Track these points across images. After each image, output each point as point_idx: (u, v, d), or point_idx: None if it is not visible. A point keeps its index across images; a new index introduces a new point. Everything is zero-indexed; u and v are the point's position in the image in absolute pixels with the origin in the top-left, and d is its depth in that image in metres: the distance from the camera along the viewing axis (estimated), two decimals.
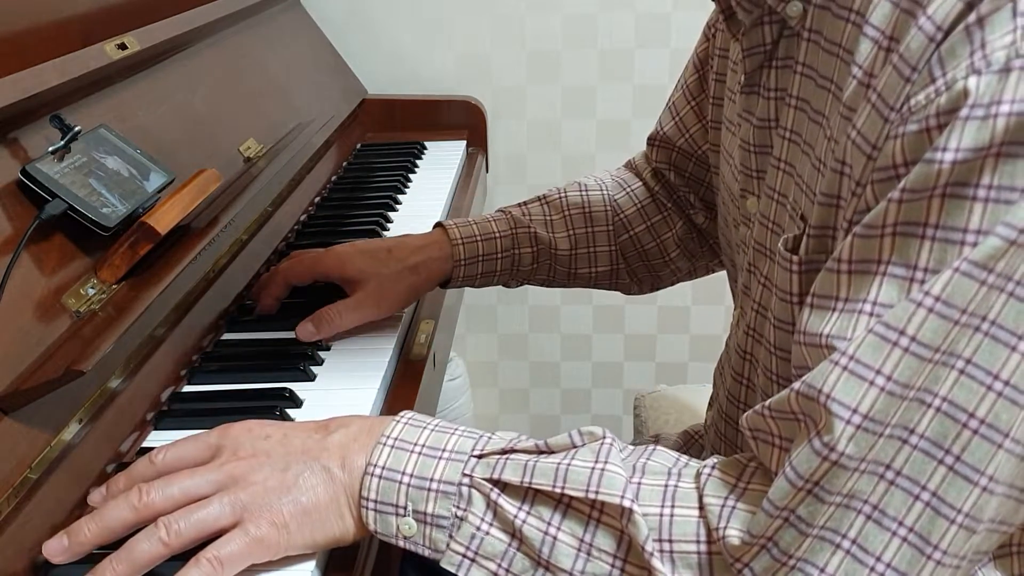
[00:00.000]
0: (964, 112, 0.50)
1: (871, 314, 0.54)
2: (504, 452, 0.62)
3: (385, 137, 1.65)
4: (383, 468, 0.62)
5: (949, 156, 0.50)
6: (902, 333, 0.52)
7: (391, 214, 1.29)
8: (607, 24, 1.71)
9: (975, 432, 0.52)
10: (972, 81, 0.50)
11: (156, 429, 0.80)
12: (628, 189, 1.05)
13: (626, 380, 1.95)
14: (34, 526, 0.65)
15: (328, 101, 1.50)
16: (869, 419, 0.53)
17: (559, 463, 0.60)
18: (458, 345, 1.89)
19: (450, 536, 0.61)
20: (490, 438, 0.64)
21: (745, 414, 0.61)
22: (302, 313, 0.94)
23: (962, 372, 0.52)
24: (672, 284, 1.10)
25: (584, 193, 1.04)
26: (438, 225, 1.02)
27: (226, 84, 1.21)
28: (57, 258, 0.77)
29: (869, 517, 0.54)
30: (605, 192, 1.05)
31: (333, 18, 1.70)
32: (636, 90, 1.75)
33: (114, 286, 0.81)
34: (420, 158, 1.53)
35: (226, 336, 0.95)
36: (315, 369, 0.88)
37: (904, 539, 0.53)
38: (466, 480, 0.61)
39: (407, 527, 0.61)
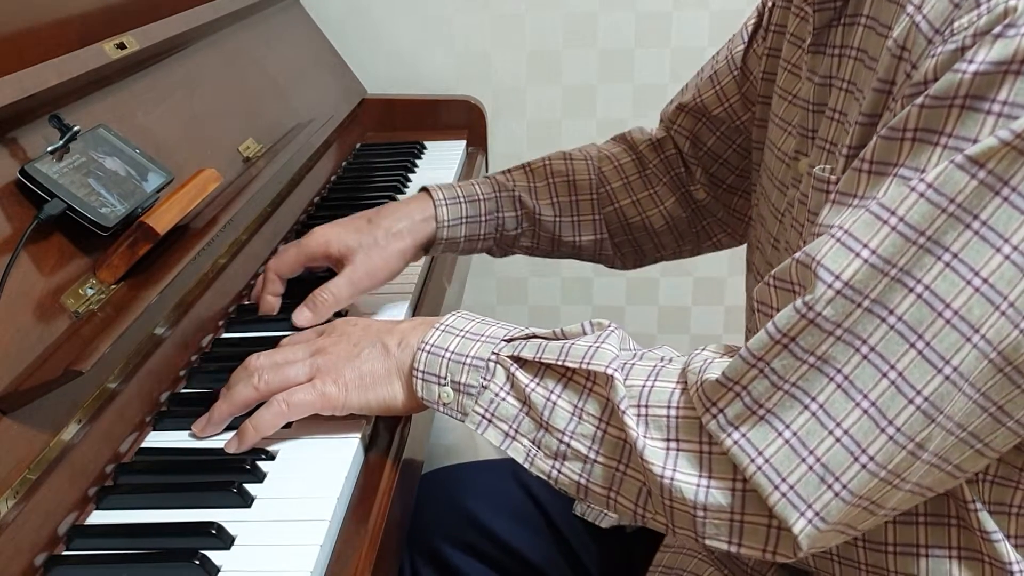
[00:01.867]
0: (998, 29, 0.53)
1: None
2: (527, 337, 0.73)
3: (385, 137, 1.65)
4: (432, 345, 0.74)
5: (972, 68, 0.54)
6: (892, 213, 0.56)
7: None
8: (607, 24, 1.71)
9: (947, 322, 0.55)
10: (1013, 2, 0.53)
11: (155, 430, 0.80)
12: (616, 163, 1.05)
13: None
14: (33, 526, 0.65)
15: (327, 101, 1.50)
16: (849, 286, 0.57)
17: (566, 342, 0.70)
18: None
19: (476, 401, 0.71)
20: (523, 329, 0.74)
21: (756, 286, 0.65)
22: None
23: (947, 265, 0.55)
24: (655, 261, 1.10)
25: (568, 162, 1.05)
26: (423, 189, 1.02)
27: (225, 84, 1.21)
28: (56, 258, 0.77)
29: (839, 386, 0.58)
30: (590, 162, 1.05)
31: (333, 18, 1.70)
32: (636, 90, 1.75)
33: (113, 286, 0.81)
34: (420, 158, 1.53)
35: (225, 336, 0.95)
36: None
37: (865, 411, 0.57)
38: (493, 357, 0.71)
39: (446, 395, 0.72)
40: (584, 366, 0.67)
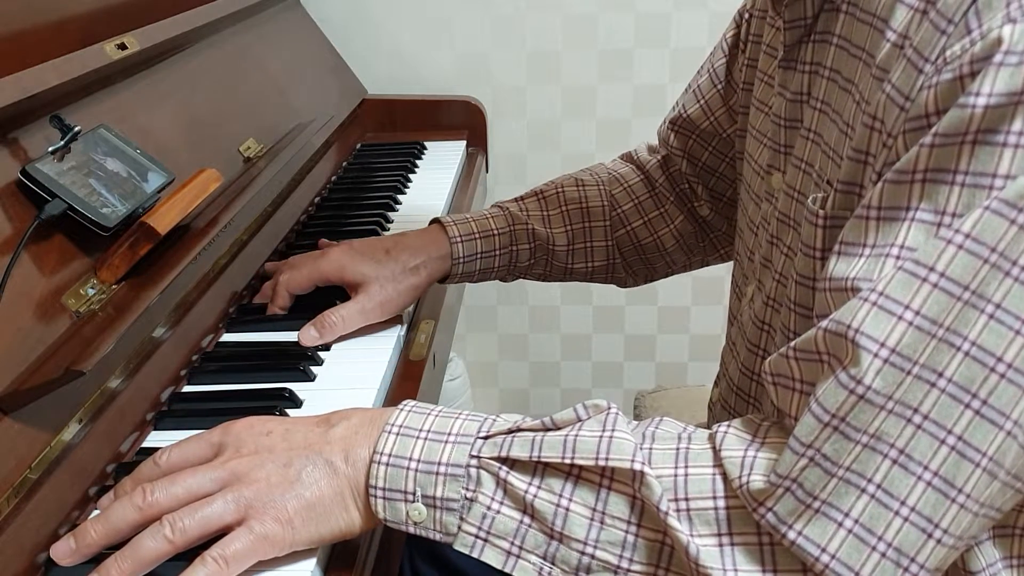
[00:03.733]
0: (998, 58, 0.51)
1: (898, 257, 0.55)
2: (510, 432, 0.62)
3: (385, 137, 1.65)
4: (390, 455, 0.62)
5: (982, 101, 0.52)
6: (931, 269, 0.53)
7: (391, 214, 1.29)
8: (607, 24, 1.71)
9: (1002, 376, 0.52)
10: (1007, 29, 0.51)
11: (156, 429, 0.80)
12: (625, 185, 1.06)
13: (626, 380, 1.95)
14: (34, 526, 0.65)
15: (328, 101, 1.50)
16: (897, 353, 0.53)
17: (567, 435, 0.61)
18: (458, 345, 1.89)
19: (461, 518, 0.61)
20: (495, 420, 0.64)
21: (768, 359, 0.61)
22: (304, 313, 0.95)
23: (991, 316, 0.52)
24: (666, 276, 1.11)
25: (581, 189, 1.05)
26: (435, 221, 1.02)
27: (226, 84, 1.21)
28: (57, 258, 0.77)
29: (895, 462, 0.54)
30: (602, 188, 1.05)
31: (333, 18, 1.70)
32: (636, 90, 1.75)
33: (114, 286, 0.81)
34: (420, 158, 1.53)
35: (226, 336, 0.95)
36: (315, 369, 0.88)
37: (929, 483, 0.54)
38: (474, 461, 0.61)
39: (416, 512, 0.61)
40: (601, 462, 0.59)
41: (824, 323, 0.56)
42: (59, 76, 0.83)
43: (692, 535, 0.57)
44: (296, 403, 0.82)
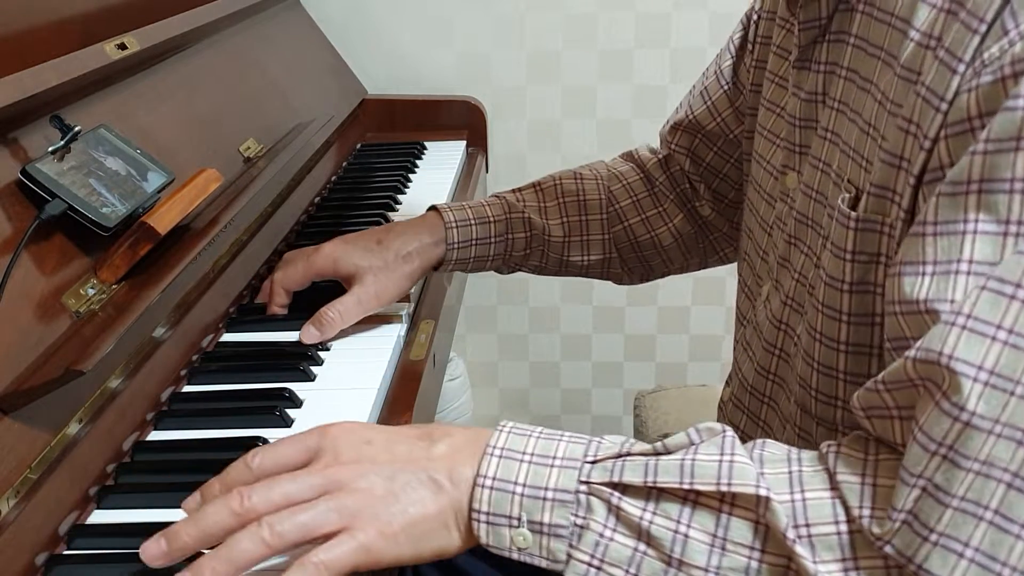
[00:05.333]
0: None
1: (968, 272, 0.53)
2: (619, 456, 0.60)
3: (385, 137, 1.65)
4: (494, 479, 0.60)
5: None
6: (1017, 286, 0.52)
7: (391, 214, 1.29)
8: (607, 24, 1.71)
9: None
10: None
11: (156, 429, 0.80)
12: (624, 182, 1.05)
13: (626, 380, 1.95)
14: (34, 526, 0.65)
15: (328, 101, 1.50)
16: (996, 375, 0.51)
17: (683, 459, 0.59)
18: (458, 345, 1.89)
19: (571, 545, 0.59)
20: (600, 442, 0.62)
21: (855, 394, 0.60)
22: (304, 312, 0.95)
23: None
24: (662, 276, 1.10)
25: (579, 182, 1.05)
26: (432, 208, 1.02)
27: (226, 84, 1.21)
28: (57, 258, 0.77)
29: (1010, 485, 0.52)
30: (600, 182, 1.05)
31: (333, 18, 1.70)
32: (636, 90, 1.75)
33: (114, 286, 0.81)
34: (420, 158, 1.53)
35: (226, 336, 0.95)
36: (315, 369, 0.88)
37: None
38: (583, 488, 0.59)
39: (521, 539, 0.59)
40: (723, 488, 0.57)
41: (911, 352, 0.54)
42: (59, 76, 0.84)
43: (816, 561, 0.56)
44: (296, 403, 0.82)
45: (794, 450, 0.62)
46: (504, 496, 0.60)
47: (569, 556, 0.59)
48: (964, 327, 0.52)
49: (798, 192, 0.75)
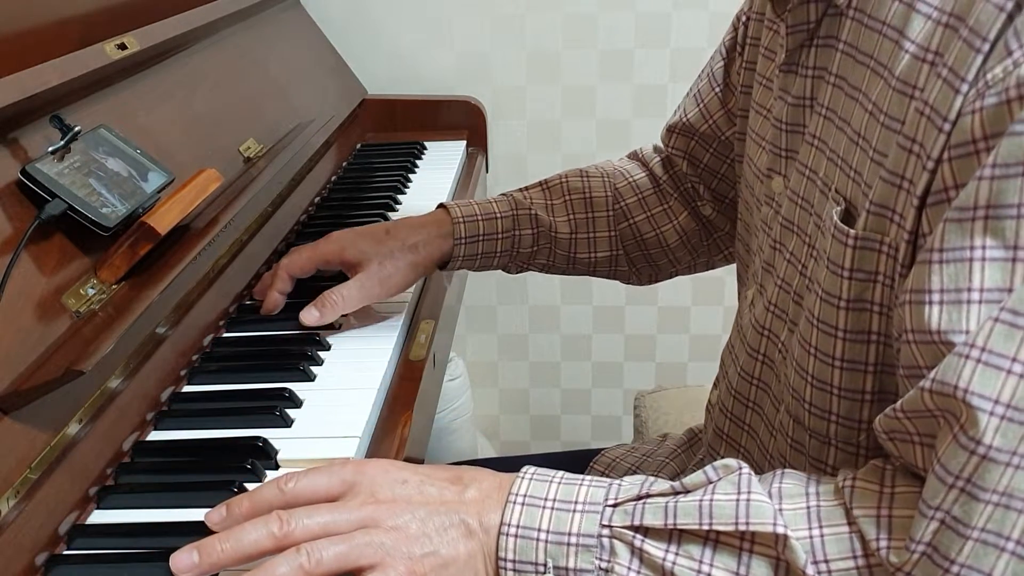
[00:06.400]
0: None
1: (980, 301, 0.53)
2: (639, 498, 0.61)
3: (385, 137, 1.65)
4: (518, 527, 0.61)
5: None
6: None
7: (391, 214, 1.29)
8: (607, 24, 1.71)
9: None
10: None
11: (156, 429, 0.80)
12: (630, 179, 1.05)
13: (626, 380, 1.95)
14: (34, 526, 0.65)
15: (328, 101, 1.50)
16: (1013, 408, 0.51)
17: (701, 499, 0.60)
18: (458, 345, 1.89)
19: None
20: (620, 485, 0.63)
21: (877, 418, 0.60)
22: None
23: None
24: (670, 276, 1.10)
25: (585, 179, 1.05)
26: (440, 206, 1.02)
27: (226, 84, 1.21)
28: (57, 258, 0.77)
29: None
30: (606, 179, 1.05)
31: (333, 18, 1.70)
32: (636, 90, 1.75)
33: (114, 286, 0.81)
34: (420, 158, 1.53)
35: (226, 336, 0.95)
36: (315, 369, 0.88)
37: None
38: (606, 532, 0.60)
39: None
40: (742, 527, 0.58)
41: (926, 384, 0.55)
42: (59, 76, 0.84)
43: None
44: (296, 403, 0.82)
45: (812, 481, 0.62)
46: (529, 544, 0.61)
47: None
48: (979, 360, 0.52)
49: (784, 197, 0.74)
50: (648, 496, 0.61)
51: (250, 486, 0.71)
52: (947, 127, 0.55)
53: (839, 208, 0.65)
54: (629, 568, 0.59)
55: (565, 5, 1.70)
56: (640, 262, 1.07)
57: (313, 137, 1.28)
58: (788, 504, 0.60)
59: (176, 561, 0.60)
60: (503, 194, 1.04)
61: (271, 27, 1.45)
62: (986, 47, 0.54)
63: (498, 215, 1.01)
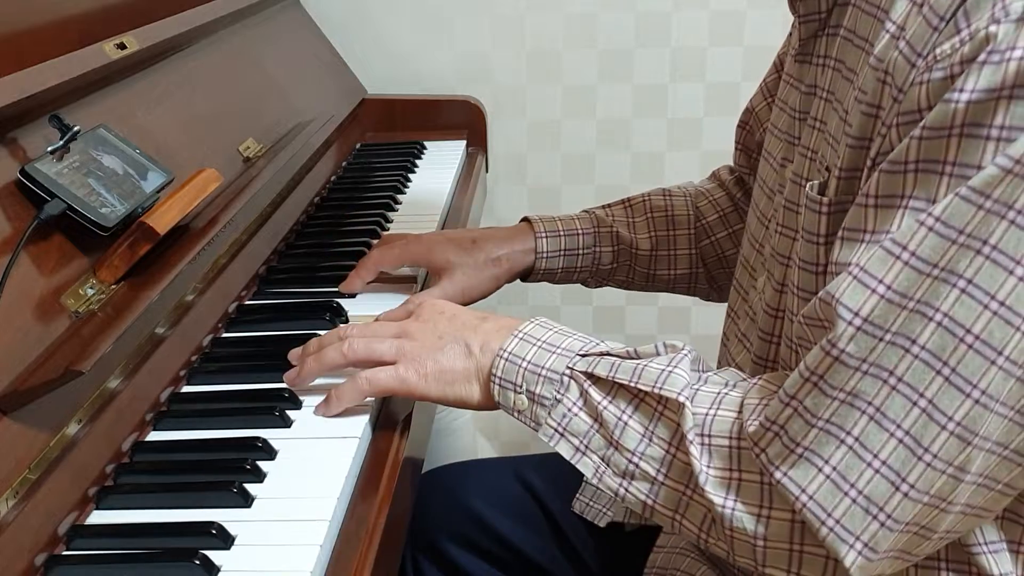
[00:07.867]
0: (982, 57, 0.55)
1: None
2: (601, 354, 0.73)
3: (385, 137, 1.65)
4: (510, 353, 0.75)
5: (965, 96, 0.55)
6: (904, 248, 0.58)
7: (391, 214, 1.29)
8: (607, 24, 1.71)
9: (970, 347, 0.56)
10: (992, 29, 0.55)
11: (156, 429, 0.80)
12: (711, 198, 1.07)
13: None
14: (34, 526, 0.65)
15: (328, 101, 1.50)
16: (868, 322, 0.58)
17: (639, 364, 0.70)
18: None
19: (548, 414, 0.73)
20: (597, 343, 0.75)
21: (792, 326, 0.68)
22: (302, 313, 0.95)
23: (963, 291, 0.56)
24: None
25: (668, 198, 1.07)
26: (524, 219, 1.05)
27: (226, 84, 1.21)
28: (56, 258, 0.77)
29: (872, 418, 0.59)
30: (688, 199, 1.07)
31: (333, 18, 1.70)
32: (636, 90, 1.75)
33: (113, 286, 0.81)
34: (420, 158, 1.53)
35: (225, 336, 0.95)
36: None
37: (900, 440, 0.59)
38: (567, 372, 0.72)
39: (520, 402, 0.74)
40: (656, 390, 0.68)
41: (820, 293, 0.61)
42: (58, 76, 0.83)
43: (708, 466, 0.65)
44: (296, 403, 0.82)
45: (740, 378, 0.71)
46: (513, 367, 0.75)
47: (544, 421, 0.73)
48: (855, 277, 0.59)
49: (788, 181, 0.76)
50: (607, 354, 0.73)
51: (250, 486, 0.71)
52: (901, 97, 0.60)
53: (816, 182, 0.69)
54: (574, 404, 0.72)
55: (565, 5, 1.70)
56: (722, 278, 1.08)
57: (313, 137, 1.28)
58: (706, 388, 0.69)
59: (288, 375, 0.83)
60: (585, 210, 1.07)
61: (270, 27, 1.45)
62: (942, 25, 0.58)
63: (580, 232, 1.04)
